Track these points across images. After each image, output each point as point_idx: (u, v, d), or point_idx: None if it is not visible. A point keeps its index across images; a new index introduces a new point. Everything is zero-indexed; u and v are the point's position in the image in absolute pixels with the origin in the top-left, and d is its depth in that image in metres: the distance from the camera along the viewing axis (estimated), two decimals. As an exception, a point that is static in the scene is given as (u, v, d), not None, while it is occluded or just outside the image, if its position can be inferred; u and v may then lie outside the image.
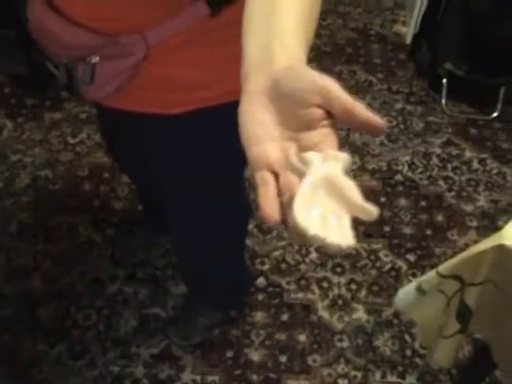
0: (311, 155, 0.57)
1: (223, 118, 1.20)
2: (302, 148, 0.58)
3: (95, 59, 1.04)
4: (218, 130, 1.23)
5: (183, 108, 1.15)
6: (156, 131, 1.25)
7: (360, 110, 0.57)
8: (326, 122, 0.59)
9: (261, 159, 0.58)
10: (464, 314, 1.22)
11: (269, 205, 0.54)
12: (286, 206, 0.55)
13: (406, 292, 1.33)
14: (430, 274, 1.25)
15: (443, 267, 1.21)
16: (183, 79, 1.12)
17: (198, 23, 1.03)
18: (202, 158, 1.30)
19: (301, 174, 0.56)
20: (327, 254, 2.22)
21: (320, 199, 0.55)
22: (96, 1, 0.98)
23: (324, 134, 0.59)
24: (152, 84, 1.11)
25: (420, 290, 1.28)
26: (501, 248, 1.10)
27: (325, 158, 0.57)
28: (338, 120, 0.59)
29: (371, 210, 0.56)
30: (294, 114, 0.59)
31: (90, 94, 1.13)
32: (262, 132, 0.60)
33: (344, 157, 0.58)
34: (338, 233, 0.54)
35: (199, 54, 1.09)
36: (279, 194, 0.57)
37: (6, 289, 2.09)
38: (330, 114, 0.59)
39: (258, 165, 0.58)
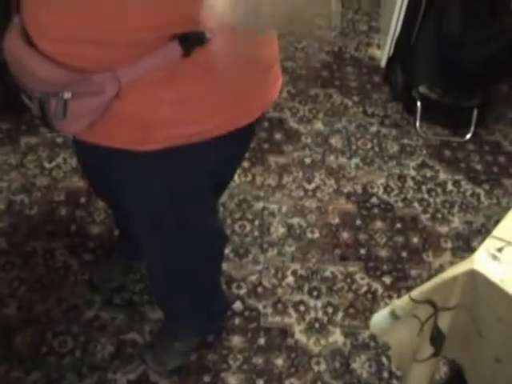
0: None
1: (193, 156, 1.21)
2: None
3: (67, 95, 1.05)
4: (188, 167, 1.25)
5: (154, 145, 1.15)
6: (126, 166, 1.25)
7: None
8: None
9: None
10: (437, 338, 1.24)
11: None
12: None
13: (380, 317, 1.35)
14: (404, 299, 1.26)
15: (416, 292, 1.23)
16: (154, 117, 1.12)
17: (170, 63, 1.04)
18: (171, 193, 1.31)
19: None
20: (303, 278, 2.24)
21: None
22: (68, 39, 0.99)
23: None
24: (123, 121, 1.11)
25: (394, 315, 1.29)
26: (472, 273, 1.12)
27: None
28: None
29: None
30: None
31: (63, 128, 1.13)
32: None
33: None
34: None
35: (171, 93, 1.09)
36: None
37: (-19, 315, 2.07)
38: None
39: None
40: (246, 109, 1.21)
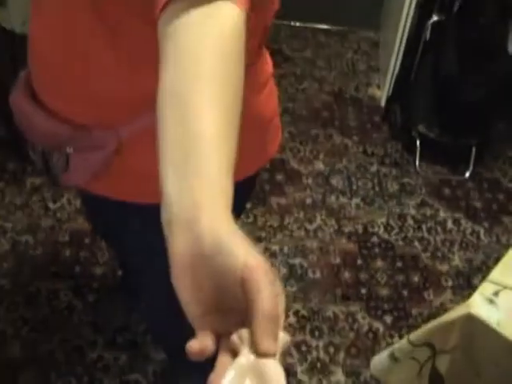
0: (247, 334, 0.55)
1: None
2: (243, 318, 0.55)
3: (69, 149, 1.08)
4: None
5: (156, 199, 1.17)
6: (128, 218, 1.27)
7: (259, 322, 0.53)
8: None
9: (205, 327, 0.58)
10: (436, 381, 1.26)
11: (195, 344, 0.56)
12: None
13: (380, 359, 1.36)
14: (402, 342, 1.28)
15: (414, 335, 1.25)
16: (155, 172, 1.14)
17: None
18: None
19: (235, 353, 0.55)
20: (305, 318, 2.25)
21: None
22: (73, 98, 1.03)
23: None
24: (124, 175, 1.14)
25: (393, 358, 1.31)
26: (468, 317, 1.14)
27: None
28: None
29: None
30: (225, 296, 0.56)
31: (65, 180, 1.16)
32: (195, 310, 0.58)
33: (281, 337, 0.55)
34: None
35: None
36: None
37: (-14, 356, 2.09)
38: None
39: (198, 329, 0.58)
40: (243, 166, 1.23)
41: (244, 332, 0.55)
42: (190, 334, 1.67)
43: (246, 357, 0.54)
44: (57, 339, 2.13)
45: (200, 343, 0.56)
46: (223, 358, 0.56)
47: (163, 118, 0.64)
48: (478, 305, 1.14)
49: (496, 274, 1.21)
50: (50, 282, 2.29)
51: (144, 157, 1.11)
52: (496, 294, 1.17)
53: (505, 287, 1.18)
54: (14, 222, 2.52)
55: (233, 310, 0.57)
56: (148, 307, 1.73)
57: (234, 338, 0.55)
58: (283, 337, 0.55)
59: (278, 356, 0.54)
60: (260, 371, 0.53)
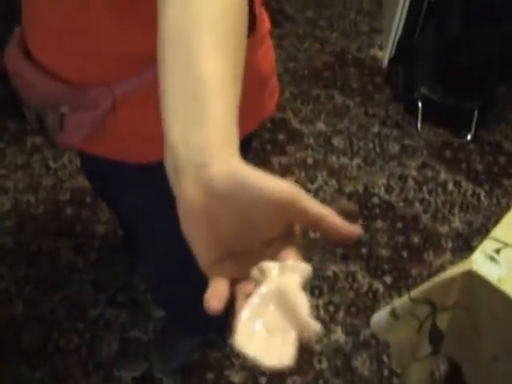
0: (268, 265, 0.54)
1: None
2: (259, 260, 0.54)
3: (64, 108, 1.06)
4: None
5: (152, 157, 1.17)
6: (126, 178, 1.27)
7: (331, 220, 0.53)
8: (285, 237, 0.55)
9: (220, 274, 0.55)
10: (436, 337, 1.27)
11: (214, 299, 0.53)
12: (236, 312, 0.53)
13: (380, 316, 1.37)
14: (403, 299, 1.29)
15: (415, 293, 1.26)
16: (151, 130, 1.13)
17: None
18: (170, 203, 1.32)
19: (257, 284, 0.54)
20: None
21: (268, 313, 0.53)
22: (67, 54, 1.01)
23: (283, 246, 0.55)
24: (120, 134, 1.13)
25: (393, 315, 1.32)
26: (470, 274, 1.15)
27: (282, 269, 0.54)
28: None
29: (314, 329, 0.52)
30: (246, 234, 0.55)
31: (61, 140, 1.15)
32: (218, 253, 0.56)
33: (303, 267, 0.54)
34: (278, 352, 0.53)
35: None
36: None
37: (-11, 314, 2.11)
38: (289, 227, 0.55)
39: (213, 276, 0.56)
40: (241, 123, 1.22)
41: (264, 265, 0.54)
42: (191, 294, 1.68)
43: (267, 287, 0.53)
44: (58, 297, 2.15)
45: (215, 290, 0.54)
46: (240, 303, 0.55)
47: (166, 59, 0.62)
48: (479, 262, 1.15)
49: (498, 231, 1.21)
50: (52, 241, 2.30)
51: (139, 115, 1.11)
52: (497, 251, 1.17)
53: (506, 245, 1.18)
54: (15, 181, 2.52)
55: (249, 251, 0.56)
56: (149, 267, 1.73)
57: (254, 271, 0.55)
58: (306, 267, 0.54)
59: (299, 279, 0.53)
60: (284, 298, 0.53)
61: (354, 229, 0.54)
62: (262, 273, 0.54)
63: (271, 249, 0.55)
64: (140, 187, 1.28)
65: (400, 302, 1.31)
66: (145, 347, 2.04)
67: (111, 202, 1.91)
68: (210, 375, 2.00)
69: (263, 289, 0.53)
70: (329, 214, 0.53)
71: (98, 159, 1.20)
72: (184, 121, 0.57)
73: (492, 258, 1.15)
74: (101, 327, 2.08)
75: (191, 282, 1.71)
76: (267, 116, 1.29)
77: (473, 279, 1.15)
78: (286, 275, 0.53)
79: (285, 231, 0.55)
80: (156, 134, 1.13)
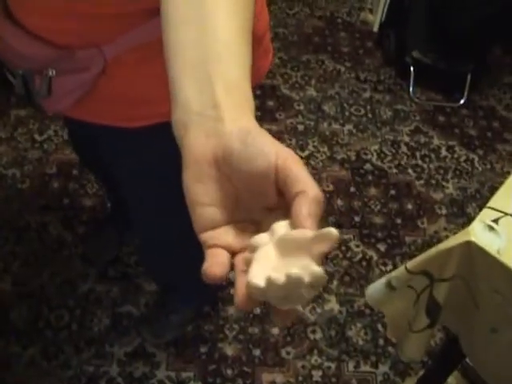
0: (265, 236, 0.52)
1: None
2: (257, 231, 0.53)
3: (52, 72, 1.02)
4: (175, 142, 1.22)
5: (144, 122, 1.13)
6: (117, 144, 1.24)
7: (298, 204, 0.50)
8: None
9: (216, 242, 0.53)
10: (433, 309, 1.24)
11: (216, 266, 0.51)
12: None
13: (375, 287, 1.34)
14: (399, 270, 1.26)
15: (412, 264, 1.22)
16: (140, 94, 1.10)
17: (156, 40, 1.01)
18: (162, 168, 1.29)
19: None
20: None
21: (274, 261, 0.51)
22: (51, 13, 0.97)
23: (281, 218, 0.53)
24: (111, 98, 1.09)
25: (389, 286, 1.29)
26: (468, 244, 1.11)
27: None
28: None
29: (330, 234, 0.49)
30: (253, 192, 0.53)
31: (48, 106, 1.11)
32: (216, 216, 0.54)
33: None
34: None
35: (158, 71, 1.07)
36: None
37: (-23, 291, 2.07)
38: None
39: (210, 245, 0.53)
40: None
41: (263, 235, 0.52)
42: (182, 265, 1.64)
43: (270, 242, 0.51)
44: (47, 273, 2.11)
45: (215, 259, 0.52)
46: (240, 278, 0.52)
47: (176, 15, 0.61)
48: (477, 232, 1.11)
49: (496, 200, 1.18)
50: (39, 215, 2.26)
51: (128, 80, 1.07)
52: (496, 221, 1.14)
53: (505, 214, 1.14)
54: (-1, 154, 2.47)
55: (248, 219, 0.55)
56: (140, 235, 1.70)
57: (256, 238, 0.52)
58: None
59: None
60: (285, 239, 0.50)
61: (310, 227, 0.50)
62: (260, 243, 0.52)
63: (270, 220, 0.53)
64: (129, 153, 1.25)
65: (396, 273, 1.28)
66: (137, 321, 2.01)
67: (99, 171, 1.87)
68: (203, 348, 1.98)
69: (261, 247, 0.51)
70: (305, 202, 0.50)
71: (86, 126, 1.17)
72: (197, 79, 0.56)
73: (491, 228, 1.12)
74: (92, 302, 2.05)
75: (182, 252, 1.69)
76: (261, 75, 1.25)
77: (471, 250, 1.11)
78: (280, 228, 0.51)
79: (284, 203, 0.53)
80: (148, 97, 1.10)
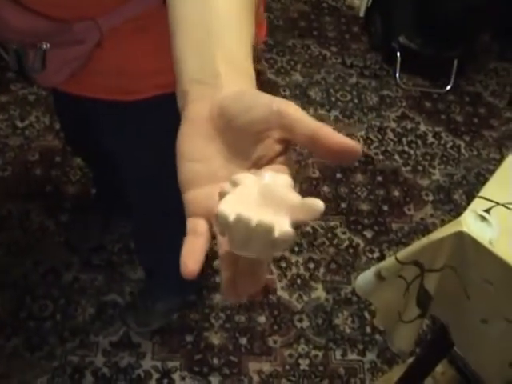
0: (246, 174, 0.51)
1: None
2: None
3: (46, 46, 1.00)
4: (174, 116, 1.21)
5: (140, 95, 1.12)
6: (112, 118, 1.22)
7: (328, 133, 0.48)
8: (281, 159, 0.52)
9: (197, 205, 0.52)
10: (424, 300, 1.22)
11: (192, 257, 0.48)
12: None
13: (365, 277, 1.33)
14: (389, 261, 1.24)
15: (402, 254, 1.21)
16: (138, 66, 1.09)
17: (151, 11, 1.00)
18: (161, 144, 1.28)
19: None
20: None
21: (250, 204, 0.48)
22: None
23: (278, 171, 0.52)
24: (107, 71, 1.08)
25: (379, 276, 1.28)
26: (460, 235, 1.10)
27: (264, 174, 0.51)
28: (301, 146, 0.53)
29: (316, 206, 0.47)
30: (245, 149, 0.53)
31: (43, 80, 1.10)
32: (202, 171, 0.53)
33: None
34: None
35: (153, 42, 1.06)
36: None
37: (-42, 280, 2.03)
38: (286, 146, 0.53)
39: (194, 211, 0.52)
40: None
41: (248, 175, 0.50)
42: (170, 250, 1.62)
43: (249, 183, 0.50)
44: (30, 262, 2.07)
45: (192, 245, 0.50)
46: (226, 272, 0.51)
47: None
48: (469, 222, 1.10)
49: (487, 189, 1.16)
50: (21, 203, 2.22)
51: (124, 52, 1.05)
52: (488, 210, 1.12)
53: (497, 203, 1.13)
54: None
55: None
56: (135, 217, 1.68)
57: (240, 176, 0.51)
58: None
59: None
60: (269, 192, 0.49)
61: (353, 144, 0.48)
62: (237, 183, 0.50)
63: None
64: (124, 127, 1.24)
65: (386, 263, 1.26)
66: (122, 310, 1.99)
67: (90, 152, 1.83)
68: (189, 337, 1.96)
69: (244, 185, 0.49)
70: (321, 126, 0.49)
71: (79, 101, 1.16)
72: (200, 53, 0.58)
73: (483, 218, 1.10)
74: (76, 291, 2.02)
75: (173, 234, 1.67)
76: (256, 47, 1.23)
77: (463, 240, 1.10)
78: (270, 177, 0.50)
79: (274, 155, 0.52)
80: (143, 69, 1.08)
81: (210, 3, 0.60)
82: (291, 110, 0.50)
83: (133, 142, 1.30)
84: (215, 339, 1.96)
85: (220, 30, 0.59)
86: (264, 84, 2.74)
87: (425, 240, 1.17)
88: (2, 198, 2.23)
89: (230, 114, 0.52)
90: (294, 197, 0.48)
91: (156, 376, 1.88)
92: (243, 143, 0.52)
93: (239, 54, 0.59)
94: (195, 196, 0.53)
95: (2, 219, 2.17)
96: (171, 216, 1.58)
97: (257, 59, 2.79)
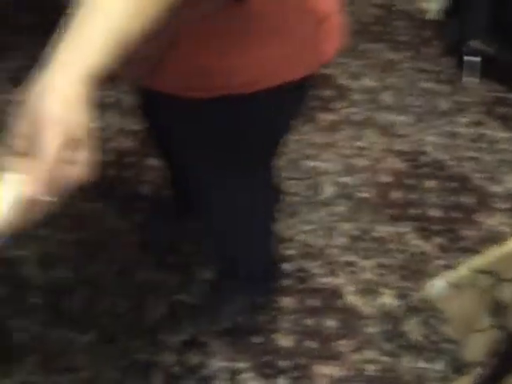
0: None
1: (248, 106, 1.20)
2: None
3: None
4: (244, 116, 1.23)
5: (208, 93, 1.14)
6: (186, 113, 1.26)
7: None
8: None
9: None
10: (498, 309, 1.21)
11: None
12: None
13: (436, 286, 1.32)
14: (462, 269, 1.23)
15: (476, 263, 1.20)
16: (208, 65, 1.11)
17: (224, 11, 1.01)
18: (229, 142, 1.30)
19: None
20: (354, 238, 2.21)
21: None
22: None
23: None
24: (180, 68, 1.12)
25: (452, 285, 1.27)
26: (537, 244, 1.08)
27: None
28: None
29: None
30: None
31: (127, 73, 1.17)
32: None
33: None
34: None
35: (225, 42, 1.08)
36: None
37: (35, 277, 2.10)
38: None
39: None
40: (295, 62, 1.18)
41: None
42: (245, 250, 1.63)
43: None
44: (104, 260, 2.13)
45: None
46: None
47: None
48: (547, 232, 1.08)
49: None
50: (95, 203, 2.27)
51: (196, 50, 1.08)
52: None
53: None
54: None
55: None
56: (208, 219, 1.71)
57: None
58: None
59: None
60: None
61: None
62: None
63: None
64: (199, 125, 1.28)
65: (459, 271, 1.25)
66: (192, 310, 2.02)
67: (169, 150, 1.87)
68: (257, 339, 1.98)
69: None
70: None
71: (153, 95, 1.21)
72: (66, 41, 0.68)
73: (561, 228, 1.09)
74: (148, 290, 2.06)
75: (248, 240, 1.70)
76: (323, 61, 1.23)
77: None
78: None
79: None
80: (212, 68, 1.10)
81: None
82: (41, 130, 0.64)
83: (202, 140, 1.33)
84: (283, 342, 1.97)
85: (88, 24, 0.69)
86: (335, 88, 2.74)
87: (500, 249, 1.15)
88: (77, 197, 2.29)
89: (27, 108, 0.67)
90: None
91: (224, 376, 1.90)
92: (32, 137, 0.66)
93: (87, 49, 0.68)
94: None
95: (77, 218, 2.23)
96: (244, 218, 1.61)
97: (329, 65, 2.80)
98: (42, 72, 0.66)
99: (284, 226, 2.21)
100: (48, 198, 0.60)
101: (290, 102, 1.29)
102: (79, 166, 0.65)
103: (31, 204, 0.62)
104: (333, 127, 2.58)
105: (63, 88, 0.64)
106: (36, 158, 0.60)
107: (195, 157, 1.42)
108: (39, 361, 1.93)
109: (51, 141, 0.61)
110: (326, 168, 2.43)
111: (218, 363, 1.93)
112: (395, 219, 2.30)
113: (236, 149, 1.33)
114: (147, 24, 0.74)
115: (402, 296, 2.09)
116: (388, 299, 2.09)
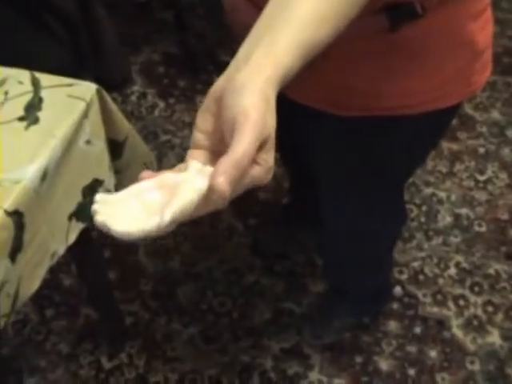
0: (193, 163, 0.64)
1: (389, 130, 1.19)
2: None
3: None
4: (383, 139, 1.23)
5: (350, 112, 1.15)
6: (321, 129, 1.27)
7: (216, 184, 0.58)
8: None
9: (187, 157, 0.67)
10: None
11: None
12: None
13: None
14: None
15: None
16: (353, 85, 1.12)
17: (376, 35, 1.01)
18: (364, 162, 1.30)
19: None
20: (466, 272, 2.17)
21: (151, 195, 0.62)
22: None
23: None
24: (323, 83, 1.12)
25: None
26: None
27: (200, 170, 0.63)
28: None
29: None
30: (225, 138, 0.63)
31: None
32: (198, 139, 0.67)
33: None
34: (135, 221, 0.60)
35: (374, 65, 1.08)
36: None
37: (148, 266, 2.15)
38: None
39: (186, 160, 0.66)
40: (446, 92, 1.17)
41: (190, 162, 0.64)
42: (363, 274, 1.62)
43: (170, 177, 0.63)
44: (215, 258, 2.17)
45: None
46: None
47: None
48: None
49: None
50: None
51: (346, 69, 1.09)
52: None
53: None
54: (182, 138, 2.55)
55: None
56: (329, 230, 1.68)
57: (182, 164, 0.66)
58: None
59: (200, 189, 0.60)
60: (176, 188, 0.61)
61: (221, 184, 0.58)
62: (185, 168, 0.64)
63: None
64: (334, 142, 1.29)
65: None
66: (298, 320, 2.02)
67: (295, 160, 1.90)
68: (358, 358, 1.96)
69: (165, 177, 0.63)
70: (228, 161, 0.58)
71: (296, 108, 1.21)
72: (255, 36, 0.67)
73: None
74: (255, 294, 2.08)
75: (368, 259, 1.69)
76: (474, 91, 1.22)
77: None
78: (196, 176, 0.61)
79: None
80: (358, 88, 1.11)
81: (287, 3, 0.68)
82: (241, 126, 0.60)
83: (334, 158, 1.33)
84: (384, 365, 1.95)
85: (279, 24, 0.67)
86: (461, 118, 2.69)
87: None
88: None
89: (223, 103, 0.63)
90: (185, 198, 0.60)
91: (321, 390, 1.90)
92: (225, 133, 0.63)
93: (281, 49, 0.65)
94: (191, 154, 0.67)
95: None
96: (364, 239, 1.60)
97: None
98: (231, 70, 0.65)
99: (398, 250, 2.18)
100: (226, 195, 0.58)
101: (433, 127, 1.28)
102: (263, 168, 0.63)
103: (208, 197, 0.61)
104: (456, 157, 2.53)
105: (263, 88, 0.62)
106: (227, 153, 0.58)
107: (324, 173, 1.43)
108: (143, 346, 1.98)
109: (249, 139, 0.59)
110: (445, 197, 2.39)
111: (316, 376, 1.93)
112: (510, 258, 2.23)
113: (373, 170, 1.32)
114: (335, 32, 0.73)
115: (509, 338, 2.03)
116: (494, 338, 2.03)
